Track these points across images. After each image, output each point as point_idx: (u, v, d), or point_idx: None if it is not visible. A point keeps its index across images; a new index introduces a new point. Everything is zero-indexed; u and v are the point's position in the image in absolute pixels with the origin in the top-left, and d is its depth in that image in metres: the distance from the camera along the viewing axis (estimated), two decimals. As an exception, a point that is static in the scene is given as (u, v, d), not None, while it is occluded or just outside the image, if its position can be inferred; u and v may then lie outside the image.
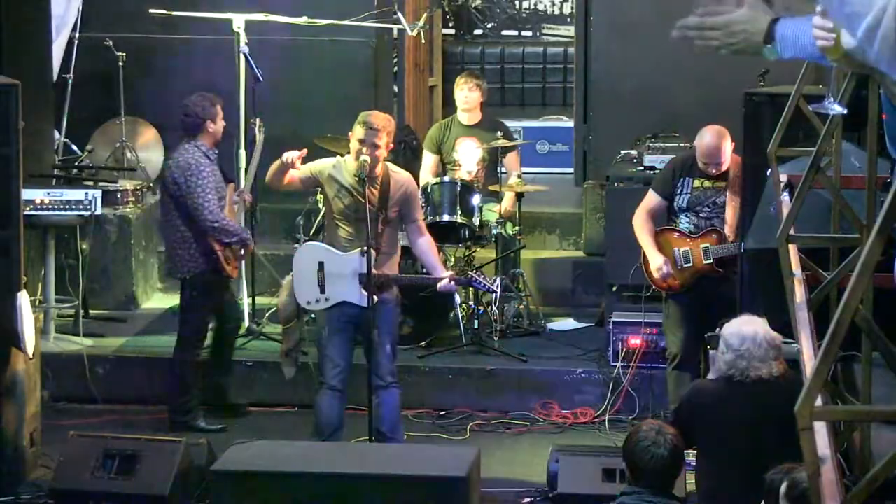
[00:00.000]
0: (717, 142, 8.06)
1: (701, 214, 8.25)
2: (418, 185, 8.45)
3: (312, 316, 7.75)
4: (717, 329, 6.42)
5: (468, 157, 9.77)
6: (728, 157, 8.07)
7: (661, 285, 8.30)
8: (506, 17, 16.28)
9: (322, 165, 7.64)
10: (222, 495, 6.64)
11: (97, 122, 10.83)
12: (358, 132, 7.44)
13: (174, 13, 9.99)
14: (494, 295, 9.27)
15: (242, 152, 9.68)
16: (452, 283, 7.63)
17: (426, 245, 7.72)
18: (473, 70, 10.54)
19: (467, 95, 9.93)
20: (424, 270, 8.04)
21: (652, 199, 8.32)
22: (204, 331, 8.51)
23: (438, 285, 7.59)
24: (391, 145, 7.69)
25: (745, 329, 5.96)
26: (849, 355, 4.31)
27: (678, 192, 8.26)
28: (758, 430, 5.78)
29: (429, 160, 10.06)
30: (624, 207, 8.73)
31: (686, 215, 8.28)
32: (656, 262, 8.17)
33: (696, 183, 8.23)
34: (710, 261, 8.16)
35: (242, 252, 8.44)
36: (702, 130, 8.18)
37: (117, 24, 10.88)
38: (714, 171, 8.12)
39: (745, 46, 3.30)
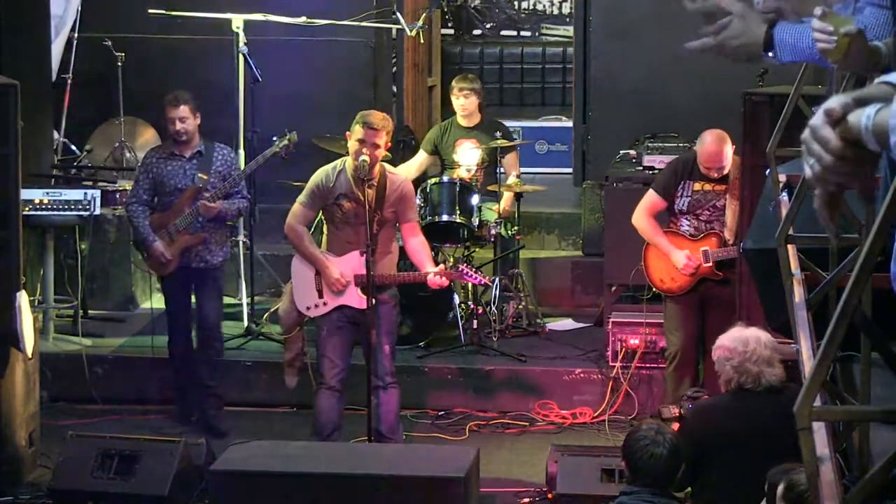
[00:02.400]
0: (717, 147, 8.05)
1: (701, 217, 8.25)
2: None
3: (312, 318, 7.75)
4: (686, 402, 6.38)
5: (467, 158, 9.77)
6: (729, 160, 8.06)
7: (662, 287, 8.31)
8: (505, 17, 16.27)
9: (321, 187, 7.58)
10: (221, 495, 6.65)
11: (96, 122, 10.83)
12: (357, 132, 7.43)
13: (173, 13, 10.00)
14: (493, 294, 9.30)
15: (242, 152, 9.68)
16: (443, 277, 7.61)
17: (418, 245, 7.72)
18: (468, 73, 10.48)
19: (463, 104, 9.92)
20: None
21: (653, 200, 8.30)
22: (172, 324, 8.50)
23: (429, 280, 7.58)
24: (389, 144, 7.69)
25: (746, 332, 5.93)
26: (848, 355, 4.30)
27: (679, 194, 8.25)
28: (776, 444, 5.65)
29: (418, 157, 10.06)
30: (623, 207, 8.73)
31: (686, 218, 8.27)
32: (680, 259, 8.14)
33: (697, 186, 8.22)
34: (710, 263, 8.16)
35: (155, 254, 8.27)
36: (702, 135, 8.16)
37: (116, 24, 10.88)
38: (715, 174, 8.11)
39: (748, 57, 3.32)
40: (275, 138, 8.73)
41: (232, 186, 8.35)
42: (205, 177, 8.31)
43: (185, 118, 8.30)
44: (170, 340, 8.54)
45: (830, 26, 2.96)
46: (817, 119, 2.27)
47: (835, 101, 2.25)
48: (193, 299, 8.49)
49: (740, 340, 5.86)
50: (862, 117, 2.23)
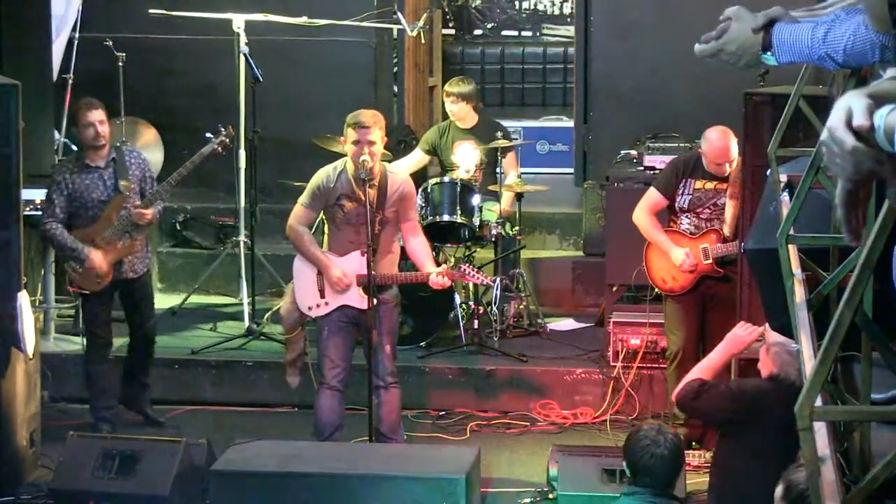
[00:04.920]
0: (724, 142, 8.06)
1: (702, 216, 8.26)
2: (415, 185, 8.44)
3: (314, 317, 7.75)
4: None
5: (466, 159, 9.77)
6: (735, 156, 8.07)
7: (664, 287, 8.31)
8: (505, 17, 16.28)
9: (322, 188, 7.56)
10: (222, 495, 6.65)
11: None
12: (350, 135, 7.41)
13: (174, 13, 10.01)
14: (494, 294, 9.30)
15: (242, 153, 9.69)
16: (445, 277, 7.61)
17: (419, 244, 7.71)
18: (461, 76, 10.42)
19: (451, 110, 9.94)
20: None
21: (654, 197, 8.32)
22: (92, 341, 8.25)
23: (430, 279, 7.58)
24: (386, 140, 7.68)
25: None
26: (849, 355, 4.30)
27: (680, 192, 8.26)
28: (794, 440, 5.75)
29: (414, 156, 10.06)
30: (624, 207, 8.73)
31: (687, 216, 8.29)
32: (679, 256, 8.15)
33: (698, 184, 8.23)
34: (710, 261, 8.16)
35: (86, 267, 8.00)
36: (706, 132, 8.16)
37: (117, 24, 10.88)
38: (724, 171, 8.12)
39: (748, 60, 3.33)
40: (209, 135, 8.61)
41: (172, 186, 8.20)
42: (127, 183, 8.04)
43: (104, 121, 8.04)
44: (94, 359, 8.26)
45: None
46: (834, 120, 2.26)
47: (859, 110, 2.24)
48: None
49: None
50: (876, 118, 2.23)
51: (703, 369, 6.44)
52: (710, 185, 8.22)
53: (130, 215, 8.04)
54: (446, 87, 10.06)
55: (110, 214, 8.05)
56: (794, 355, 5.90)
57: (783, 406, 5.85)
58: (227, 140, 8.55)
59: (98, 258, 8.01)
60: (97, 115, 8.03)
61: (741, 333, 6.53)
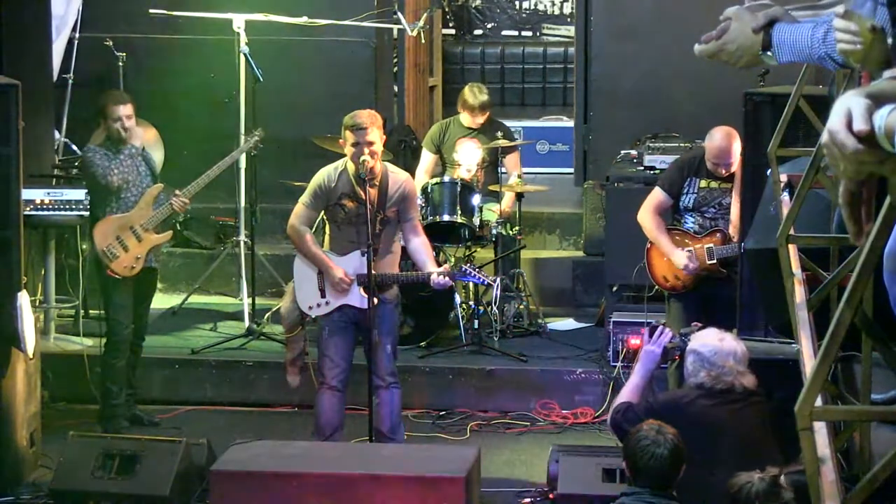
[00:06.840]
0: (726, 143, 8.05)
1: (706, 215, 8.25)
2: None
3: (314, 317, 7.74)
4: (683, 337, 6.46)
5: (468, 157, 9.76)
6: (737, 157, 8.05)
7: (665, 285, 8.31)
8: (506, 17, 16.28)
9: (324, 187, 7.55)
10: (222, 495, 6.65)
11: (97, 122, 10.83)
12: (349, 137, 7.38)
13: (174, 13, 10.00)
14: (494, 294, 9.30)
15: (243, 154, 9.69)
16: (446, 277, 7.60)
17: (420, 244, 7.69)
18: (477, 85, 10.34)
19: (478, 121, 9.89)
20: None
21: (659, 197, 8.30)
22: (116, 332, 8.20)
23: (432, 280, 7.57)
24: (385, 137, 7.66)
25: (724, 346, 6.02)
26: (849, 355, 4.31)
27: (685, 191, 8.25)
28: (729, 442, 5.82)
29: (426, 159, 10.06)
30: (624, 207, 8.73)
31: (691, 215, 8.28)
32: (681, 259, 8.14)
33: (703, 183, 8.22)
34: (714, 261, 8.15)
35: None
36: (711, 132, 8.16)
37: (117, 24, 10.88)
38: (724, 171, 8.10)
39: (748, 60, 3.34)
40: (243, 136, 8.95)
41: (209, 180, 8.38)
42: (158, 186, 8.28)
43: (131, 116, 8.17)
44: (117, 353, 8.21)
45: (854, 26, 2.95)
46: (834, 122, 2.27)
47: (858, 112, 2.25)
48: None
49: (720, 355, 5.97)
50: (876, 118, 2.23)
51: (629, 391, 6.41)
52: (714, 184, 8.21)
53: (171, 204, 8.17)
54: (474, 100, 9.86)
55: (148, 203, 8.17)
56: (709, 360, 5.97)
57: (699, 416, 5.91)
58: (259, 139, 8.98)
59: (140, 132, 8.18)
60: (124, 111, 8.14)
61: (653, 348, 6.47)
